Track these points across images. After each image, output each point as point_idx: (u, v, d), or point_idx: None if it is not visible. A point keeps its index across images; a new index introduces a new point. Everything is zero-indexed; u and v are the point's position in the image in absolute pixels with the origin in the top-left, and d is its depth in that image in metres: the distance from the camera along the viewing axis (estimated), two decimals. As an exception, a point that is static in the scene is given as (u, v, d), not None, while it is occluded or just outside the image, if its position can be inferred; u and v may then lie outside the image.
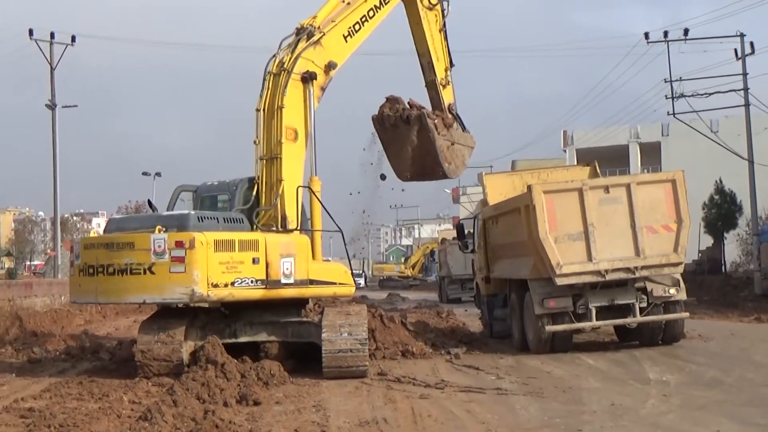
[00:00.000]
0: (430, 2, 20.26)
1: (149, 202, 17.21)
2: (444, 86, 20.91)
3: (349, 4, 18.14)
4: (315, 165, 16.87)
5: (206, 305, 15.58)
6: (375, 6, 18.54)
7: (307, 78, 16.96)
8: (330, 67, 17.48)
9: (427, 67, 20.76)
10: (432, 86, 20.85)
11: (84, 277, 15.64)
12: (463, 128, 21.48)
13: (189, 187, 17.65)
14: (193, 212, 15.65)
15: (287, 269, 15.54)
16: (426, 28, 20.31)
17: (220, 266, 14.73)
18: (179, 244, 14.56)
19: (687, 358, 16.89)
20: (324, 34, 17.42)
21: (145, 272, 14.71)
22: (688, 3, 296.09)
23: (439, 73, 20.73)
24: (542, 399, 12.84)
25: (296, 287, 15.74)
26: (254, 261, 15.12)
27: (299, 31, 17.36)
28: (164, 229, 14.83)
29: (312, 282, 16.02)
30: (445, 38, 20.98)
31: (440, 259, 51.29)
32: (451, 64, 21.33)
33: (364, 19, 18.33)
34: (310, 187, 16.60)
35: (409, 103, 20.19)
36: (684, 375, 14.92)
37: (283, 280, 15.49)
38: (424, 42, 20.43)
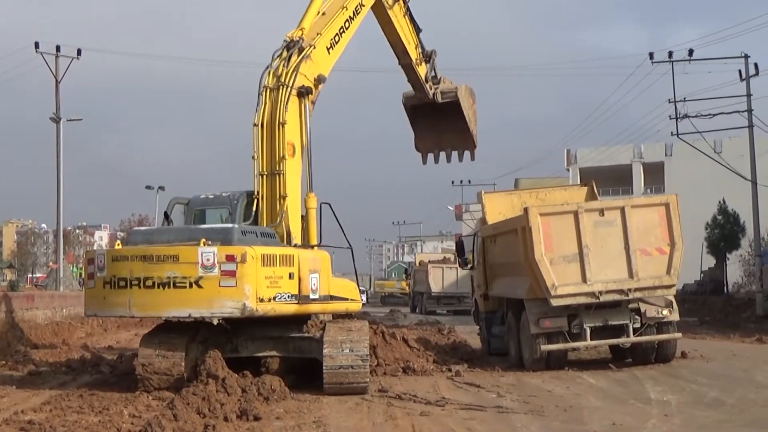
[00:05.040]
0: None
1: (166, 215, 17.00)
2: (419, 64, 21.38)
3: (324, 14, 18.13)
4: (311, 180, 16.86)
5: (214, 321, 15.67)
6: (350, 17, 18.59)
7: (303, 93, 16.95)
8: (319, 80, 17.42)
9: (402, 54, 21.17)
10: (408, 68, 21.38)
11: (112, 290, 15.12)
12: (435, 78, 22.35)
13: (182, 199, 17.45)
14: (236, 226, 15.55)
15: (314, 285, 15.61)
16: (395, 22, 20.55)
17: (265, 281, 14.72)
18: (230, 258, 14.42)
19: (688, 378, 16.87)
20: (314, 47, 17.44)
21: (191, 285, 14.47)
22: (681, 25, 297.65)
23: (413, 54, 21.15)
24: (543, 418, 12.81)
25: (321, 303, 15.86)
26: (290, 276, 15.17)
27: (289, 44, 17.31)
28: (209, 242, 14.67)
29: (332, 298, 16.17)
30: (410, 19, 21.23)
31: (416, 277, 60.07)
32: (418, 31, 21.60)
33: (342, 30, 18.36)
34: (329, 204, 16.70)
35: None
36: (685, 395, 14.89)
37: (311, 296, 15.56)
38: (395, 35, 20.75)
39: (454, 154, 24.89)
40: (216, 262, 14.42)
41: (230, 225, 15.73)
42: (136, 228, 16.68)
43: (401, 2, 20.84)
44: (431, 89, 22.29)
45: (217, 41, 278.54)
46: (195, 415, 12.09)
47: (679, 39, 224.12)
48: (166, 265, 14.63)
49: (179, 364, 15.04)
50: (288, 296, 15.04)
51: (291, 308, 15.21)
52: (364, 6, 19.08)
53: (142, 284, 14.79)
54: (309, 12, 18.00)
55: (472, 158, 24.36)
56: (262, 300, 14.57)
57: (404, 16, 21.01)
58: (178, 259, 14.59)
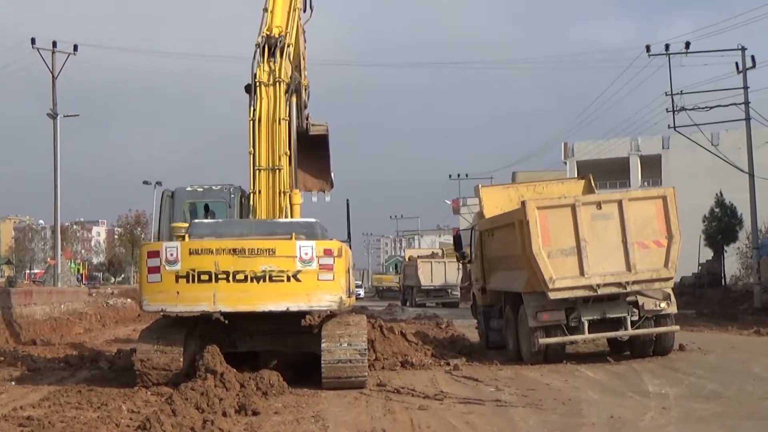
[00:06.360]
0: (303, 12, 20.46)
1: (206, 207, 16.86)
2: (306, 88, 20.71)
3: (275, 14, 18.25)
4: (296, 177, 16.84)
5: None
6: (294, 19, 18.79)
7: (294, 89, 17.10)
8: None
9: (294, 71, 20.94)
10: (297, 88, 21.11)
11: (190, 284, 14.66)
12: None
13: (169, 191, 17.37)
14: (318, 221, 15.71)
15: (350, 279, 15.86)
16: (301, 38, 20.55)
17: (346, 275, 15.01)
18: (328, 252, 14.57)
19: (686, 371, 16.88)
20: (292, 45, 17.54)
21: (288, 279, 14.53)
22: (676, 18, 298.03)
23: (303, 75, 20.76)
24: (541, 411, 12.82)
25: (351, 297, 16.03)
26: (347, 270, 15.43)
27: (269, 39, 17.27)
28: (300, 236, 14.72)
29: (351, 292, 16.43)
30: (304, 39, 21.08)
31: (406, 272, 64.35)
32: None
33: (296, 33, 18.61)
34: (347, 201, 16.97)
35: None
36: (683, 387, 14.90)
37: (351, 289, 15.76)
38: (298, 50, 20.42)
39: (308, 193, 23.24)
40: (314, 255, 14.51)
41: (312, 219, 15.86)
42: (198, 221, 16.09)
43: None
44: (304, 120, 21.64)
45: (215, 39, 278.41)
46: (193, 410, 12.09)
47: (675, 32, 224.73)
48: (261, 259, 14.51)
49: (178, 359, 15.02)
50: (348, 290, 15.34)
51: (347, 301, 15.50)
52: (299, 8, 19.27)
53: (231, 278, 14.53)
54: (276, 10, 18.03)
55: (328, 197, 23.35)
56: (348, 294, 14.88)
57: (302, 34, 20.93)
58: (275, 253, 14.53)
